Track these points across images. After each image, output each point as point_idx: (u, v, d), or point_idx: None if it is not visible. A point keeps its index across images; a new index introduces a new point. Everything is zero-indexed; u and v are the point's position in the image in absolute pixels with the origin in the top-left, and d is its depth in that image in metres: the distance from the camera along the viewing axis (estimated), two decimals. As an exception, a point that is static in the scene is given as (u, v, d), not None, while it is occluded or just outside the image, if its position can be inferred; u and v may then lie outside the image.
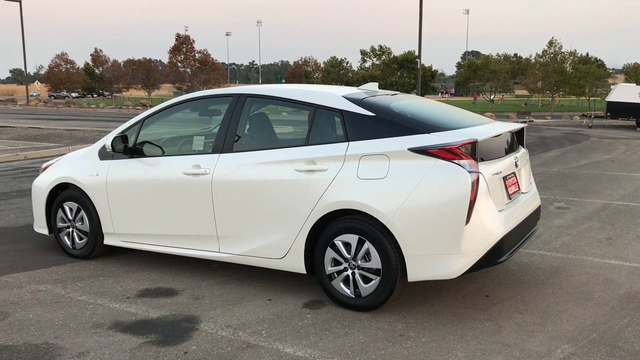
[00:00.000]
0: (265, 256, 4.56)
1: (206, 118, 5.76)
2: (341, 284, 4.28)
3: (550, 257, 5.58)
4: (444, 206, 3.90)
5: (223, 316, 4.18)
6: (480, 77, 47.93)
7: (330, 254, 4.28)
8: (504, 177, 4.35)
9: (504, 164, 4.40)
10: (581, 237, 6.36)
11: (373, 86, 5.32)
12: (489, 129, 4.42)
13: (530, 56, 58.66)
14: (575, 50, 46.76)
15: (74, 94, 79.65)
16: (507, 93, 58.29)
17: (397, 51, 58.52)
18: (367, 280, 4.17)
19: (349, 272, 4.23)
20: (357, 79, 53.14)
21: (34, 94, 79.86)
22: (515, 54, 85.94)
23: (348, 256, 4.21)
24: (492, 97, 52.11)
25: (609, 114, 27.24)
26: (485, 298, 4.52)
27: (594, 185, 9.82)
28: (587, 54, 65.91)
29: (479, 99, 55.63)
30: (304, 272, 4.44)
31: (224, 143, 4.75)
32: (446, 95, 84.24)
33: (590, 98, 46.09)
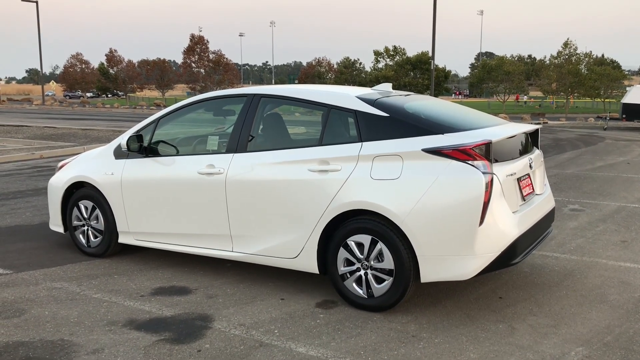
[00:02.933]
0: (278, 256, 4.57)
1: (220, 118, 5.79)
2: (354, 284, 4.28)
3: (565, 260, 5.54)
4: (458, 207, 3.89)
5: (236, 315, 4.20)
6: (495, 78, 47.68)
7: (343, 254, 4.29)
8: (518, 179, 4.34)
9: (518, 166, 4.39)
10: (596, 239, 6.31)
11: (387, 87, 5.32)
12: (503, 130, 4.40)
13: (545, 57, 58.29)
14: (591, 51, 46.40)
15: (88, 94, 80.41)
16: (522, 95, 57.97)
17: (411, 52, 58.48)
18: (379, 280, 4.17)
19: (362, 272, 4.23)
20: (370, 80, 53.12)
21: (50, 94, 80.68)
22: (530, 55, 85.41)
23: (361, 256, 4.21)
24: (525, 98, 52.09)
25: (624, 115, 26.99)
26: (499, 300, 4.51)
27: (609, 188, 9.74)
28: (603, 56, 65.37)
29: (494, 100, 55.29)
30: (317, 272, 4.45)
31: (237, 143, 4.78)
32: (459, 96, 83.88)
33: (606, 100, 45.67)
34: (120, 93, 76.88)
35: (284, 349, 3.66)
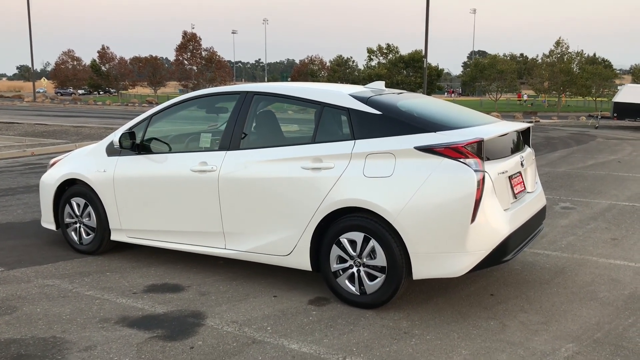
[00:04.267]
0: (271, 253, 4.58)
1: (213, 115, 5.78)
2: (346, 282, 4.30)
3: (555, 257, 5.58)
4: (450, 205, 3.91)
5: (229, 312, 4.21)
6: (487, 77, 47.82)
7: (335, 251, 4.30)
8: (509, 177, 4.36)
9: (510, 163, 4.41)
10: (586, 237, 6.36)
11: (380, 85, 5.33)
12: (495, 128, 4.43)
13: (537, 56, 58.46)
14: (582, 50, 46.62)
15: (80, 91, 79.94)
16: (513, 93, 58.07)
17: (404, 50, 58.57)
18: (372, 277, 4.19)
19: (354, 269, 4.25)
20: (363, 78, 53.16)
21: (41, 91, 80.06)
22: (522, 54, 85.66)
23: (353, 254, 4.23)
24: (525, 97, 52.76)
25: (615, 114, 27.12)
26: (490, 297, 4.54)
27: (600, 186, 9.81)
28: (594, 55, 65.59)
29: (486, 98, 55.42)
30: (310, 269, 4.46)
31: (230, 140, 4.78)
32: (452, 94, 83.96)
33: (597, 99, 45.91)
34: (112, 90, 76.50)
35: (276, 345, 3.67)
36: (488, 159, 4.10)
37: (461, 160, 3.94)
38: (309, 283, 4.76)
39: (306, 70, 65.96)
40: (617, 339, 3.80)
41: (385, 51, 58.71)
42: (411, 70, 55.91)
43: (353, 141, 4.28)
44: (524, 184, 4.65)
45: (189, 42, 59.94)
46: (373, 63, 59.87)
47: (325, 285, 4.50)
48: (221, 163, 4.73)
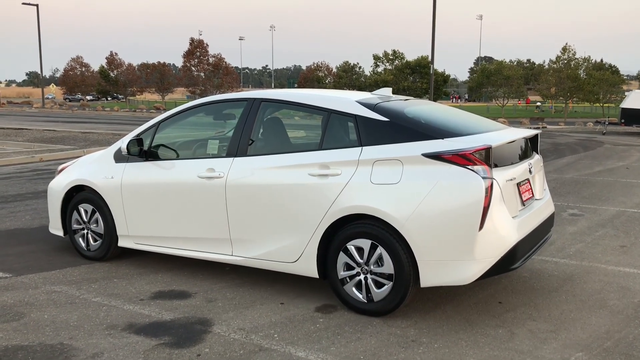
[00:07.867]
0: (278, 260, 4.57)
1: (220, 122, 5.80)
2: (353, 289, 4.28)
3: (564, 264, 5.54)
4: (458, 212, 3.90)
5: (236, 319, 4.20)
6: (494, 83, 47.75)
7: (342, 258, 4.29)
8: (517, 184, 4.34)
9: (518, 170, 4.39)
10: (595, 244, 6.31)
11: (387, 91, 5.32)
12: (503, 135, 4.41)
13: (544, 62, 58.35)
14: (590, 56, 46.43)
15: (88, 97, 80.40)
16: (520, 99, 57.85)
17: (410, 56, 58.58)
18: (379, 285, 4.17)
19: (362, 276, 4.23)
20: (369, 84, 53.15)
21: (50, 97, 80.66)
22: (529, 60, 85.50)
23: (361, 261, 4.22)
24: (538, 103, 52.74)
25: (623, 120, 26.97)
26: (498, 305, 4.51)
27: (608, 193, 9.75)
28: (602, 60, 65.22)
29: (492, 104, 55.30)
30: (317, 276, 4.45)
31: (238, 147, 4.78)
32: (459, 100, 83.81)
33: (604, 104, 45.70)
34: (120, 96, 76.84)
35: (283, 353, 3.66)
36: (496, 166, 4.08)
37: (469, 167, 3.92)
38: (316, 290, 4.75)
39: (313, 77, 65.99)
40: (627, 348, 3.76)
41: (392, 57, 58.71)
42: (417, 76, 55.85)
43: (360, 148, 4.27)
44: (532, 191, 4.62)
45: (197, 48, 60.13)
46: (379, 69, 59.88)
47: (332, 292, 4.49)
48: (228, 169, 4.73)
